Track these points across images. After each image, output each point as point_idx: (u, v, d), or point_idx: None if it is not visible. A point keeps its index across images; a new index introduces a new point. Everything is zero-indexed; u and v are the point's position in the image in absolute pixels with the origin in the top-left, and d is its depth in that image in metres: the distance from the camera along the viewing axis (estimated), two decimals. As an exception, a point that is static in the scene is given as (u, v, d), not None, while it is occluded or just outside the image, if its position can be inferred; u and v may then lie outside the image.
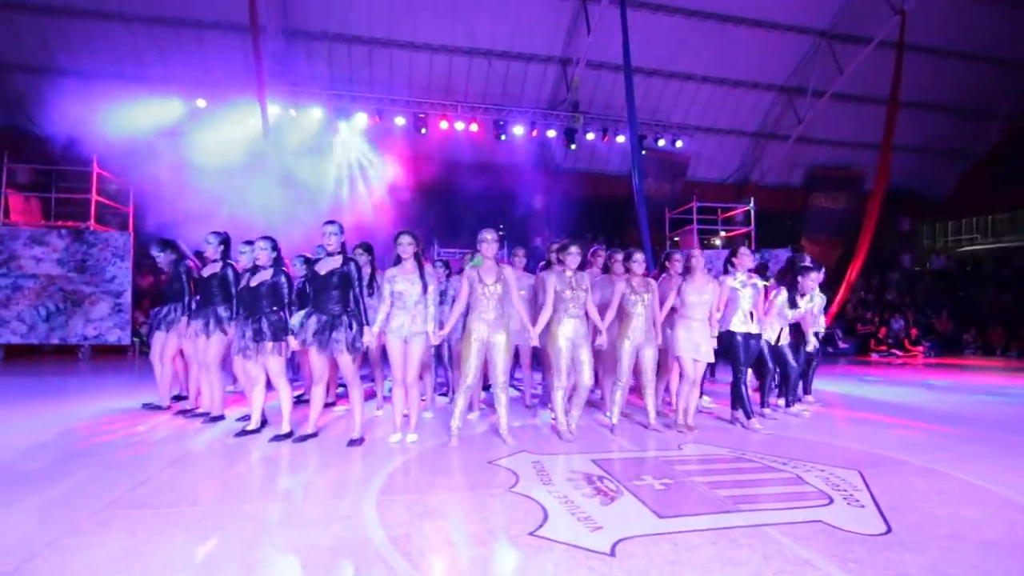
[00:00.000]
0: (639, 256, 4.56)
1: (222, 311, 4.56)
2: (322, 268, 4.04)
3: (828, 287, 6.83)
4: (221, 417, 4.71)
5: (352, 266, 3.98)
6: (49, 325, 9.43)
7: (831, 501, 2.99)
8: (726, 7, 12.43)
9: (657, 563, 2.26)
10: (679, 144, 13.92)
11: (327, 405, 5.04)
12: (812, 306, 5.43)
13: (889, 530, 2.61)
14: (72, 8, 11.04)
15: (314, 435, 4.17)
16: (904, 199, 16.94)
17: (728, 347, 4.74)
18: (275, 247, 4.24)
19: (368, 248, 4.81)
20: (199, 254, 5.06)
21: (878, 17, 12.32)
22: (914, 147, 16.05)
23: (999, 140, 16.45)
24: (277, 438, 4.08)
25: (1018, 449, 4.15)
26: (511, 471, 3.47)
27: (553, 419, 4.45)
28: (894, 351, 12.63)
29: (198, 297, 4.76)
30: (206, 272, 4.71)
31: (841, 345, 11.55)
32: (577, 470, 3.50)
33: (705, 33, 12.92)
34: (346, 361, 3.95)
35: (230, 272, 4.62)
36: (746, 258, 4.87)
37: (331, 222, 4.05)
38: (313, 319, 3.98)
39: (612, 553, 2.33)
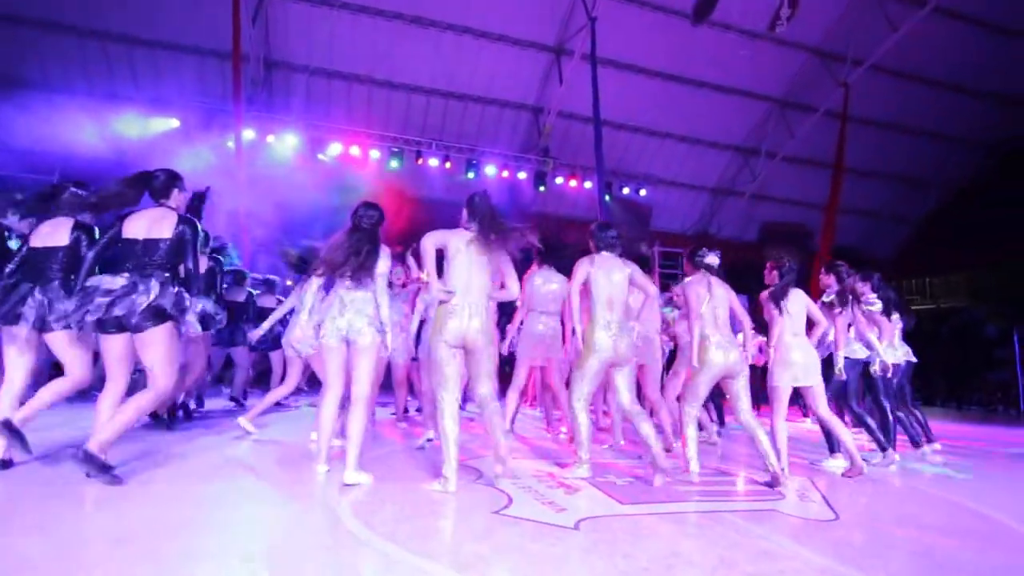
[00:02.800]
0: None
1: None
2: None
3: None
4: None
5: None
6: None
7: (783, 497, 3.11)
8: (689, 71, 13.33)
9: (620, 536, 2.31)
10: (643, 193, 14.56)
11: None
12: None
13: (837, 517, 2.74)
14: (46, 21, 11.02)
15: None
16: (850, 258, 17.91)
17: None
18: None
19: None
20: None
21: (825, 88, 13.43)
22: (859, 210, 17.16)
23: (935, 207, 17.79)
24: None
25: (955, 466, 4.38)
26: (475, 469, 3.47)
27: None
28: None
29: None
30: None
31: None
32: (542, 471, 3.53)
33: (670, 93, 13.78)
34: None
35: None
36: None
37: None
38: None
39: (576, 527, 2.37)
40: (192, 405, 5.41)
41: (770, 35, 11.88)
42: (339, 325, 3.05)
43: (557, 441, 4.90)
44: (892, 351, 4.57)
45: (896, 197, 17.54)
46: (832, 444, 4.18)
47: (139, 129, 11.53)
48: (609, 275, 3.42)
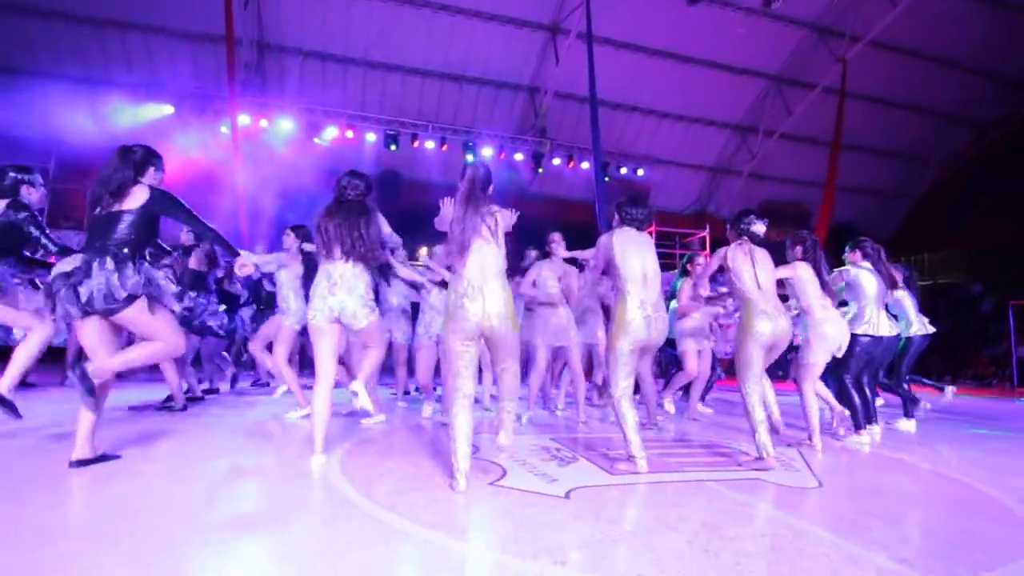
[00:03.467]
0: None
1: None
2: None
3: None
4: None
5: None
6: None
7: (770, 467, 3.20)
8: (685, 48, 13.22)
9: (608, 503, 2.42)
10: (640, 172, 14.54)
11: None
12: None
13: (820, 485, 2.84)
14: (38, 8, 10.91)
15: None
16: (850, 236, 17.96)
17: None
18: None
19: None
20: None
21: (823, 64, 13.34)
22: (857, 187, 17.15)
23: (933, 185, 17.76)
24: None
25: (942, 438, 4.48)
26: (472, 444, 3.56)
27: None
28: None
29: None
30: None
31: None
32: (536, 444, 3.63)
33: (666, 72, 13.68)
34: None
35: None
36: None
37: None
38: None
39: (567, 496, 2.47)
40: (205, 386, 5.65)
41: (767, 12, 11.76)
42: (330, 304, 2.87)
43: (553, 416, 5.01)
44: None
45: (894, 174, 17.51)
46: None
47: (133, 115, 11.49)
48: (639, 247, 3.17)
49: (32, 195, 3.32)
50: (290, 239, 4.57)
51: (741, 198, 16.96)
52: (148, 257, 2.63)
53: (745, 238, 3.50)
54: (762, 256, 3.48)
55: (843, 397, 4.19)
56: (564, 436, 4.04)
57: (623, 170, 14.35)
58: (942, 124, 15.94)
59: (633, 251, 3.13)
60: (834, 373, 4.22)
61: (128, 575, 1.55)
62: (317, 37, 11.98)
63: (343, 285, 2.87)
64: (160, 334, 2.65)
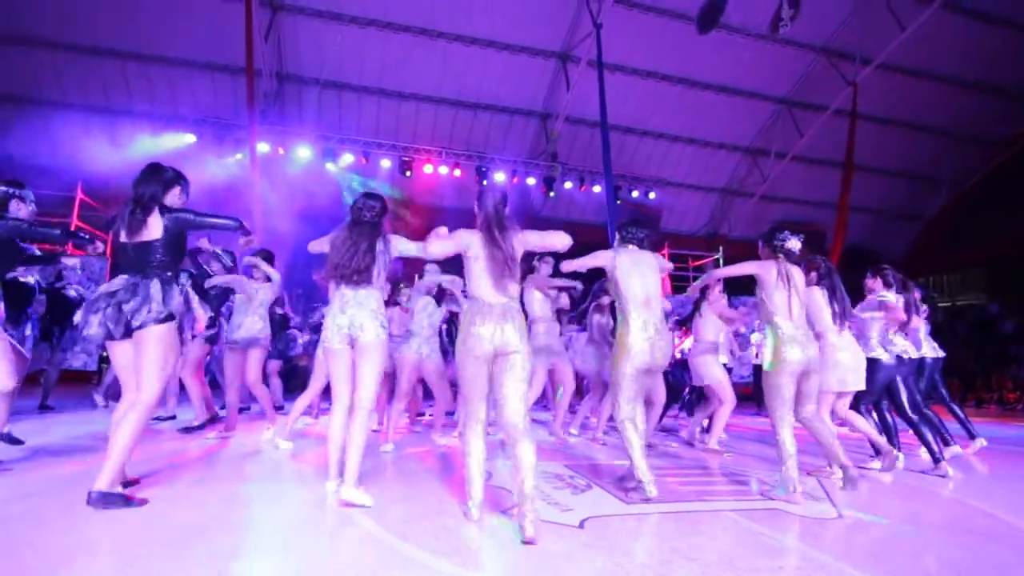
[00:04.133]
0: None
1: None
2: None
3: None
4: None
5: None
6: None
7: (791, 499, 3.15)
8: (695, 73, 13.38)
9: (622, 534, 2.40)
10: (652, 195, 14.59)
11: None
12: None
13: (840, 516, 2.79)
14: (64, 43, 11.35)
15: None
16: (863, 257, 17.84)
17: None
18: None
19: None
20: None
21: (833, 87, 13.39)
22: (870, 208, 17.05)
23: (945, 204, 17.60)
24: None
25: (967, 467, 4.38)
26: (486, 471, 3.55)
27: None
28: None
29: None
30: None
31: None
32: (549, 471, 3.61)
33: (676, 96, 13.84)
34: None
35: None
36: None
37: None
38: None
39: (581, 526, 2.46)
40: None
41: (776, 37, 11.89)
42: (340, 323, 2.82)
43: (563, 443, 4.97)
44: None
45: (908, 194, 17.40)
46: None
47: (156, 144, 11.83)
48: (640, 268, 3.12)
49: (21, 210, 3.29)
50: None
51: (753, 219, 16.93)
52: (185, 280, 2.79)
53: (781, 256, 3.28)
54: (799, 277, 3.30)
55: (912, 426, 4.03)
56: (578, 463, 4.01)
57: (635, 193, 14.42)
58: (953, 143, 15.86)
59: (635, 272, 3.13)
60: (881, 405, 4.14)
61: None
62: (334, 67, 12.30)
63: (354, 303, 2.85)
64: (159, 369, 2.64)
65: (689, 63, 13.01)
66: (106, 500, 2.43)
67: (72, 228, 3.96)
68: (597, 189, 13.84)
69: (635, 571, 1.94)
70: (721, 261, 12.98)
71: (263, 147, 11.46)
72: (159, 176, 2.83)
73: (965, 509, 3.06)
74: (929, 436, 3.92)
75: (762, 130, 15.18)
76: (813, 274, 3.85)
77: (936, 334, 5.11)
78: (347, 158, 12.47)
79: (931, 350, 4.90)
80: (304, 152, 12.14)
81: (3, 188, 3.28)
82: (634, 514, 2.69)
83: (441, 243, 2.72)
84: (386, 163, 12.69)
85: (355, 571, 1.87)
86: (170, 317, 2.64)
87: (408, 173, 12.72)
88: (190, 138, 11.87)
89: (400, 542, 2.14)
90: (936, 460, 3.87)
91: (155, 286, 2.63)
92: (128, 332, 2.62)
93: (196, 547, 2.04)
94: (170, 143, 11.92)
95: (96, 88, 12.04)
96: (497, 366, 2.51)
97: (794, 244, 3.28)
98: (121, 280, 2.65)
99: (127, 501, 2.50)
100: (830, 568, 2.03)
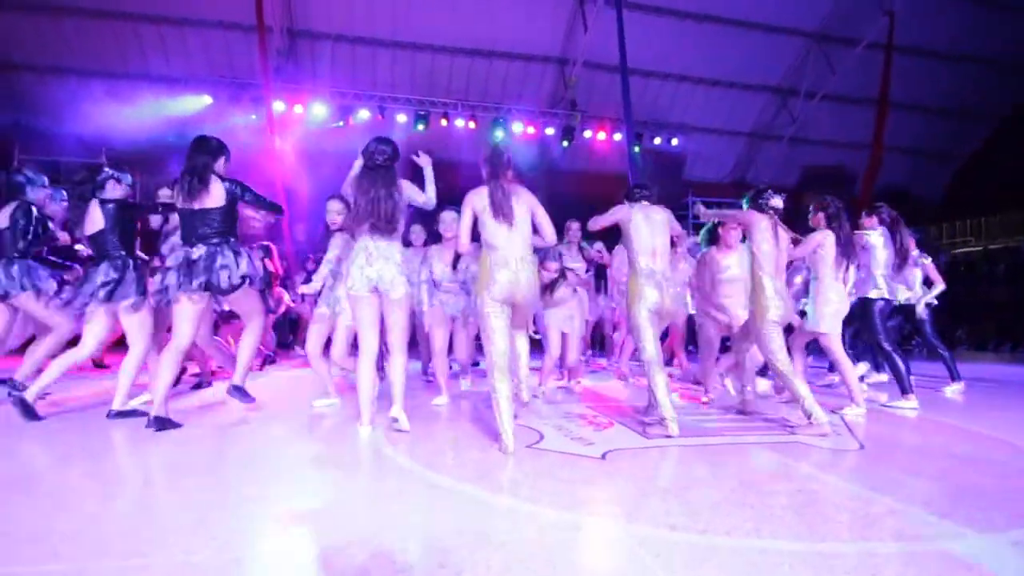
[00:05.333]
0: None
1: None
2: None
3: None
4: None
5: None
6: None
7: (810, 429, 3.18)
8: (719, 9, 12.73)
9: (644, 464, 2.46)
10: (675, 142, 14.20)
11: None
12: None
13: (862, 447, 2.81)
14: (78, 8, 11.31)
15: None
16: (897, 201, 17.18)
17: None
18: None
19: None
20: None
21: (867, 18, 12.64)
22: (905, 148, 16.30)
23: (986, 142, 16.76)
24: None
25: (994, 405, 4.34)
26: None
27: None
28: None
29: None
30: None
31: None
32: (573, 412, 3.68)
33: (699, 35, 13.22)
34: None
35: None
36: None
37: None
38: None
39: (603, 458, 2.52)
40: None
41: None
42: (368, 274, 2.89)
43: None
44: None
45: (946, 132, 16.56)
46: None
47: (174, 107, 11.87)
48: (652, 226, 3.26)
49: (117, 191, 3.40)
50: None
51: (782, 164, 16.39)
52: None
53: (770, 212, 3.43)
54: (783, 236, 3.45)
55: (883, 363, 4.09)
56: (601, 404, 4.08)
57: (657, 140, 14.04)
58: (997, 74, 14.95)
59: (646, 227, 3.27)
60: (867, 342, 4.14)
61: (200, 515, 1.68)
62: (345, 20, 12.04)
63: (379, 255, 2.91)
64: (256, 311, 3.33)
65: (713, -1, 12.39)
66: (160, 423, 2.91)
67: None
68: (618, 137, 13.50)
69: (656, 494, 2.00)
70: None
71: (279, 106, 11.41)
72: (207, 146, 3.13)
73: (989, 442, 3.05)
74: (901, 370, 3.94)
75: (791, 68, 14.48)
76: (821, 215, 3.80)
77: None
78: (363, 113, 12.34)
79: (922, 292, 4.88)
80: (320, 109, 12.06)
81: (106, 171, 3.45)
82: (655, 447, 2.75)
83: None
84: (402, 118, 12.55)
85: (384, 494, 1.97)
86: (245, 279, 3.05)
87: (422, 127, 12.56)
88: (207, 99, 11.87)
89: (428, 471, 2.24)
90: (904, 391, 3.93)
91: (227, 251, 3.03)
92: (205, 289, 3.00)
93: (234, 479, 2.17)
94: (188, 105, 11.96)
95: (112, 53, 12.03)
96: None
97: (777, 202, 3.46)
98: (201, 248, 3.00)
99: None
100: (849, 491, 2.06)
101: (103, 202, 3.27)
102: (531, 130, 12.99)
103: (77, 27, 11.59)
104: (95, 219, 3.25)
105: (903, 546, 1.58)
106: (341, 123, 12.36)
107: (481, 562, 1.41)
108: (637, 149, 12.46)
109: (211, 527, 1.62)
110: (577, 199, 13.66)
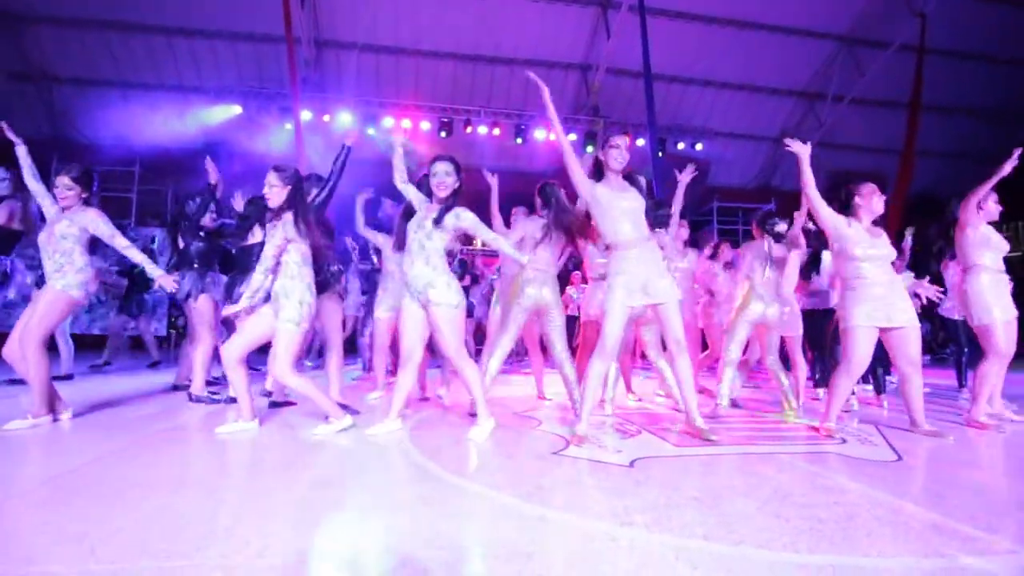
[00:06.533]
0: None
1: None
2: None
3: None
4: None
5: None
6: (91, 316, 9.89)
7: (844, 441, 3.09)
8: (744, 13, 12.61)
9: (673, 472, 2.42)
10: (699, 147, 14.07)
11: None
12: None
13: (899, 458, 2.72)
14: (114, 21, 11.68)
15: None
16: (930, 206, 16.75)
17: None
18: None
19: None
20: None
21: (898, 20, 12.39)
22: (937, 152, 15.89)
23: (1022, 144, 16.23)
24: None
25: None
26: (535, 418, 3.63)
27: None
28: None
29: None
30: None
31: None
32: (599, 420, 3.65)
33: (724, 39, 13.11)
34: None
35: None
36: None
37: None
38: None
39: (631, 465, 2.49)
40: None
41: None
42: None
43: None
44: None
45: (979, 135, 16.10)
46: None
47: (205, 117, 12.18)
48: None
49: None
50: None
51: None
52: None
53: (767, 235, 4.04)
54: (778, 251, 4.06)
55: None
56: (627, 411, 4.04)
57: (680, 145, 13.94)
58: (1033, 76, 14.50)
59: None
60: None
61: (234, 521, 1.70)
62: (370, 30, 12.23)
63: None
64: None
65: (738, 2, 12.27)
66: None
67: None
68: (641, 143, 13.42)
69: (688, 504, 1.96)
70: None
71: (306, 115, 11.62)
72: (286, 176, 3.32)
73: (1038, 453, 2.93)
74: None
75: (819, 72, 14.26)
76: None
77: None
78: (388, 121, 12.50)
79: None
80: (346, 118, 12.24)
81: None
82: (684, 455, 2.71)
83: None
84: (425, 125, 12.67)
85: (412, 500, 1.97)
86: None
87: (444, 134, 12.66)
88: (236, 109, 12.16)
89: (456, 477, 2.23)
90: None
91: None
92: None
93: (273, 478, 2.19)
94: (218, 115, 12.26)
95: (147, 66, 12.41)
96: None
97: (781, 227, 4.03)
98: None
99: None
100: (889, 505, 1.99)
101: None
102: (553, 136, 12.97)
103: (113, 40, 11.98)
104: None
105: (947, 562, 1.52)
106: (372, 130, 12.50)
107: (512, 573, 1.40)
108: (661, 154, 12.36)
109: (245, 531, 1.64)
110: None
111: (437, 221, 3.02)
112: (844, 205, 3.38)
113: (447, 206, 3.06)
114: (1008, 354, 3.52)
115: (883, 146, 15.31)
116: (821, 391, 4.72)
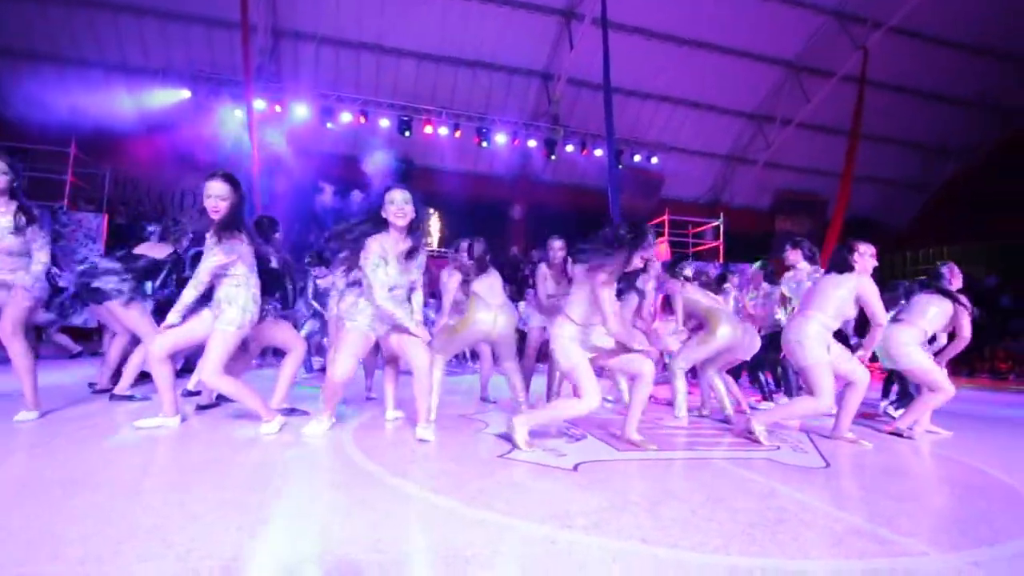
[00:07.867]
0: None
1: None
2: None
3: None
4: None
5: None
6: None
7: (778, 448, 3.22)
8: (702, 34, 13.07)
9: (615, 476, 2.45)
10: (654, 160, 14.45)
11: None
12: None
13: (828, 465, 2.86)
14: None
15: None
16: (867, 229, 17.75)
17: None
18: None
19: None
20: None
21: (842, 52, 13.11)
22: (875, 178, 16.89)
23: (952, 176, 17.44)
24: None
25: (955, 427, 4.46)
26: (483, 421, 3.62)
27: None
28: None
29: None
30: None
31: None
32: (546, 424, 3.66)
33: (682, 58, 13.54)
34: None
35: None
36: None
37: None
38: None
39: (575, 469, 2.51)
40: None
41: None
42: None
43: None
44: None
45: (914, 165, 17.23)
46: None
47: (150, 99, 11.63)
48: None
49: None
50: None
51: (756, 187, 16.81)
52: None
53: (681, 279, 4.33)
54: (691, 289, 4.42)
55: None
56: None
57: (637, 157, 14.30)
58: (964, 112, 15.64)
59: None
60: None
61: (157, 521, 1.61)
62: (331, 23, 12.00)
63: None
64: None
65: (695, 23, 12.73)
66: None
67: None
68: (599, 153, 13.68)
69: (627, 507, 1.99)
70: (721, 228, 12.94)
71: (260, 104, 11.26)
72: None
73: (952, 463, 3.13)
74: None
75: (768, 95, 14.93)
76: (799, 251, 4.72)
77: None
78: (345, 116, 12.27)
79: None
80: (302, 110, 11.94)
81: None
82: (626, 460, 2.76)
83: None
84: (385, 122, 12.50)
85: (353, 504, 1.92)
86: None
87: (408, 133, 12.54)
88: (185, 93, 11.66)
89: (399, 480, 2.19)
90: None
91: None
92: None
93: (197, 483, 2.09)
94: (164, 98, 11.73)
95: (89, 42, 11.75)
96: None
97: (688, 272, 4.40)
98: None
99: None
100: (816, 509, 2.08)
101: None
102: (515, 142, 13.06)
103: (52, 13, 11.28)
104: None
105: (868, 564, 1.60)
106: (331, 125, 12.24)
107: None
108: (619, 166, 12.61)
109: (167, 533, 1.56)
110: (557, 210, 13.84)
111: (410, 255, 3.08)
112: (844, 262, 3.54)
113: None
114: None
115: (826, 169, 16.15)
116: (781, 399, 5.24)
